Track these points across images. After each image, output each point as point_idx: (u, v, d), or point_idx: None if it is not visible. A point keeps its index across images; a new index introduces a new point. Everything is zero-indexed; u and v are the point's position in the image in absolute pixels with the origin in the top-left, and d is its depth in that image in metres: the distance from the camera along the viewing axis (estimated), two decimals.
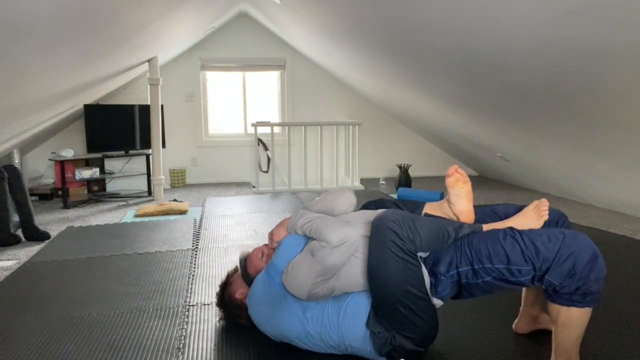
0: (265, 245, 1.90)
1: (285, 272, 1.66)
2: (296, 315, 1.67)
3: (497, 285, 1.48)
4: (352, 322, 1.60)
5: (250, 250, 1.95)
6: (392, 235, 1.48)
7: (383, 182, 5.69)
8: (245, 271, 1.88)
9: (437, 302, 1.58)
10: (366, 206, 1.92)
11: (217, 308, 1.99)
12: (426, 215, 1.79)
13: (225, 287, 1.94)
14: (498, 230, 1.53)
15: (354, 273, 1.63)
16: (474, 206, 1.75)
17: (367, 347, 1.60)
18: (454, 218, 1.73)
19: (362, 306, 1.62)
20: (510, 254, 1.43)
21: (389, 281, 1.50)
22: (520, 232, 1.48)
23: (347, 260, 1.62)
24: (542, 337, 1.86)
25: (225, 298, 1.92)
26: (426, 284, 1.53)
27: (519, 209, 1.73)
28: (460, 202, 1.71)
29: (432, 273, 1.54)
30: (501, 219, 1.74)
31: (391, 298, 1.52)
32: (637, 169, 3.33)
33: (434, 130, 5.93)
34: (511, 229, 1.51)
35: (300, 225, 1.72)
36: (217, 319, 2.03)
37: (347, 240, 1.58)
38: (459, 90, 3.92)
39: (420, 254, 1.55)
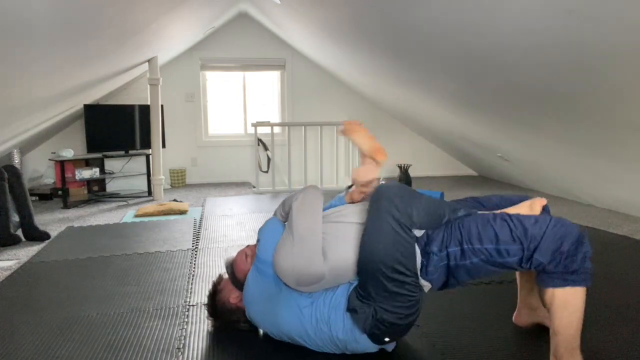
0: (248, 246, 1.91)
1: (273, 259, 1.69)
2: (293, 310, 1.67)
3: (485, 268, 1.50)
4: (337, 313, 1.62)
5: (234, 254, 1.95)
6: (391, 206, 1.51)
7: (383, 182, 5.68)
8: (234, 277, 1.87)
9: (426, 283, 1.57)
10: None
11: (211, 319, 1.96)
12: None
13: (215, 296, 1.91)
14: (489, 213, 1.57)
15: (346, 258, 1.62)
16: (467, 198, 1.85)
17: (354, 335, 1.60)
18: (373, 162, 1.84)
19: (344, 295, 1.63)
20: (499, 233, 1.46)
21: (379, 249, 1.52)
22: (510, 214, 1.52)
23: (316, 218, 1.68)
24: (543, 333, 1.86)
25: (218, 307, 1.89)
26: (417, 264, 1.54)
27: (501, 198, 1.79)
28: (365, 142, 1.85)
29: (424, 253, 1.55)
30: (485, 207, 1.78)
31: (376, 267, 1.52)
32: (637, 169, 3.33)
33: (434, 130, 5.93)
34: (502, 212, 1.56)
35: (280, 212, 1.86)
36: (210, 327, 1.99)
37: (305, 194, 1.71)
38: (459, 90, 3.92)
39: (415, 231, 1.56)
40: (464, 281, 1.57)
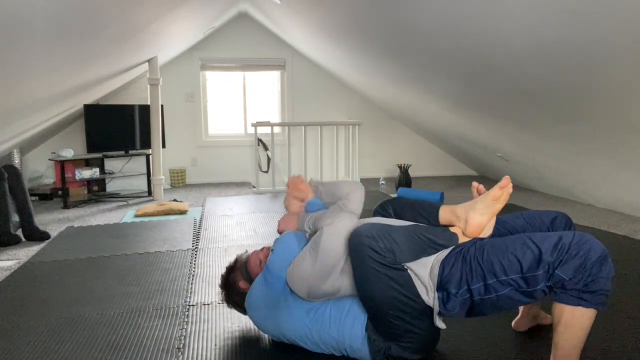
0: (262, 249, 1.91)
1: (288, 270, 1.67)
2: (298, 317, 1.68)
3: (511, 299, 1.45)
4: (355, 321, 1.61)
5: (249, 252, 1.95)
6: (369, 250, 1.46)
7: (383, 182, 5.69)
8: (247, 273, 1.88)
9: (440, 324, 1.55)
10: (383, 208, 1.88)
11: (220, 289, 1.96)
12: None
13: (231, 272, 1.92)
14: (507, 238, 1.50)
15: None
16: None
17: (365, 348, 1.61)
18: (462, 225, 1.63)
19: (358, 303, 1.63)
20: (522, 260, 1.41)
21: (375, 296, 1.50)
22: (531, 237, 1.45)
23: (344, 248, 1.61)
24: (543, 335, 1.86)
25: (230, 281, 1.90)
26: (418, 289, 1.51)
27: (526, 219, 1.71)
28: (484, 215, 1.59)
29: (441, 290, 1.51)
30: (509, 232, 1.70)
31: (382, 312, 1.52)
32: (637, 169, 3.33)
33: (434, 130, 5.93)
34: (522, 235, 1.48)
35: (307, 221, 1.75)
36: (219, 299, 1.98)
37: (338, 223, 1.61)
38: (459, 90, 3.92)
39: (407, 265, 1.52)
40: (488, 313, 1.51)
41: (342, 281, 1.62)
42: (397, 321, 1.51)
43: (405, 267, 1.52)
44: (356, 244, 1.50)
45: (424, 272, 1.52)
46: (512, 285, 1.42)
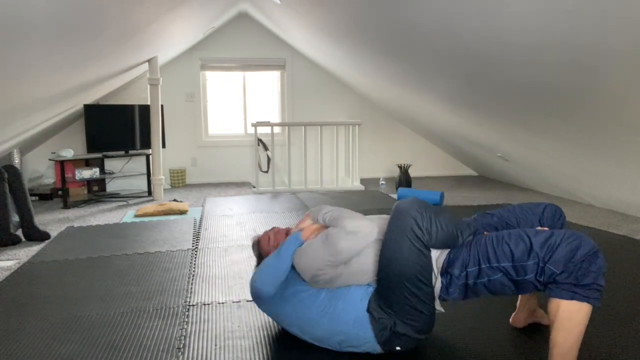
0: (272, 229, 1.94)
1: (297, 251, 1.72)
2: (288, 301, 1.72)
3: (503, 284, 1.52)
4: (347, 306, 1.64)
5: (261, 234, 2.00)
6: (413, 223, 1.53)
7: (383, 182, 5.69)
8: (259, 254, 1.94)
9: (439, 308, 1.61)
10: None
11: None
12: None
13: (259, 243, 1.96)
14: (505, 231, 1.58)
15: (366, 262, 1.66)
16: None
17: (360, 332, 1.62)
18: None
19: (359, 290, 1.66)
20: (514, 250, 1.48)
21: (401, 266, 1.54)
22: (525, 230, 1.53)
23: (358, 252, 1.66)
24: (542, 334, 1.86)
25: (258, 248, 1.94)
26: (435, 283, 1.59)
27: (519, 214, 1.78)
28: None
29: (445, 274, 1.59)
30: (504, 227, 1.79)
31: (399, 283, 1.55)
32: (637, 169, 3.33)
33: (434, 130, 5.93)
34: (518, 229, 1.57)
35: (323, 214, 1.81)
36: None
37: (359, 231, 1.64)
38: (459, 90, 3.92)
39: (432, 252, 1.59)
40: (482, 296, 1.60)
41: (345, 268, 1.66)
42: (411, 297, 1.56)
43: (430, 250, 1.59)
44: (403, 213, 1.56)
45: (434, 258, 1.61)
46: (502, 271, 1.50)
